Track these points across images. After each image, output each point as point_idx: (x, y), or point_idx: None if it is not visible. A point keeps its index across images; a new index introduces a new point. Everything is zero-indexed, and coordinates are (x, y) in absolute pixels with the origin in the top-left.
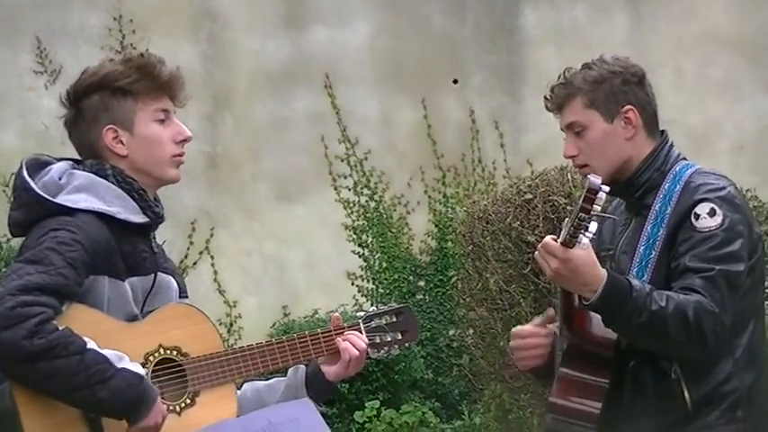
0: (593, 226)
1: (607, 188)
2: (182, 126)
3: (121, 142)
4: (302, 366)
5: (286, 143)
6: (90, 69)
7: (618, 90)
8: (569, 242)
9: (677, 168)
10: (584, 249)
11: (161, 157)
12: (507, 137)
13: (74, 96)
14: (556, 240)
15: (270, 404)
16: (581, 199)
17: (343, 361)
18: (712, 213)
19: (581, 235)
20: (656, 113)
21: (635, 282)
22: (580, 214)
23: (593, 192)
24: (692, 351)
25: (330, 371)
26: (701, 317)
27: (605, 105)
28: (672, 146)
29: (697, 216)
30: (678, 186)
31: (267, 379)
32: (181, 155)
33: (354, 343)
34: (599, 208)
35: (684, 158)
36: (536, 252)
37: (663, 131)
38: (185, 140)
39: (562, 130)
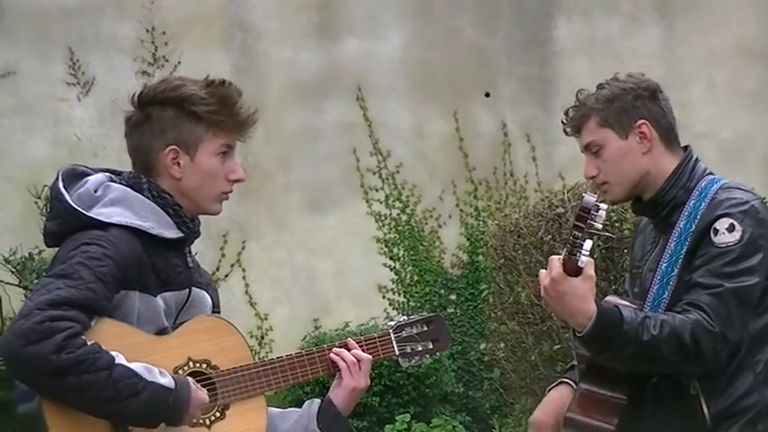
0: (588, 244)
1: (605, 206)
2: (238, 166)
3: (178, 164)
4: (317, 400)
5: (317, 154)
6: (171, 81)
7: (630, 106)
8: (568, 260)
9: (703, 184)
10: (581, 281)
11: (210, 192)
12: (539, 150)
13: (147, 101)
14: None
15: (280, 430)
16: (575, 217)
17: (339, 373)
18: (731, 229)
19: (578, 253)
20: (674, 126)
21: (626, 313)
22: (574, 232)
23: (586, 210)
24: (690, 370)
25: (336, 393)
26: (698, 338)
27: (618, 122)
28: (697, 161)
29: (716, 231)
30: (703, 204)
31: (284, 408)
32: (228, 192)
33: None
34: (599, 226)
35: (711, 173)
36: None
37: (687, 147)
38: (237, 181)
39: (582, 152)
